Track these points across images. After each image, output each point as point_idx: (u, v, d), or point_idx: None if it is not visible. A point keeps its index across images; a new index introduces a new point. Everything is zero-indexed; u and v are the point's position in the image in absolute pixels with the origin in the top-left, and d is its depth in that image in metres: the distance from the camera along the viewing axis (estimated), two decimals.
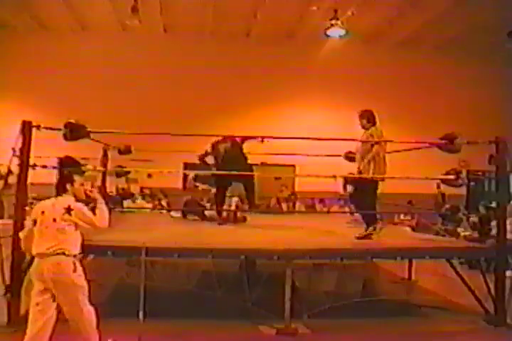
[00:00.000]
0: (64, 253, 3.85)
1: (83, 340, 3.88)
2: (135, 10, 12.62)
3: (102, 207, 4.22)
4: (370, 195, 6.07)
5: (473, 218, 10.72)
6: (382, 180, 6.07)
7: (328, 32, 13.82)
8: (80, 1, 13.73)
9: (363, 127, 6.21)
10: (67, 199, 4.05)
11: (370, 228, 6.03)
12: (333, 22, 13.13)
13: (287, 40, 16.06)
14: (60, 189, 4.11)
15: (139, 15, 12.83)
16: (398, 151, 6.93)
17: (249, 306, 5.04)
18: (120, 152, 8.18)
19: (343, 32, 13.80)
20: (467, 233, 10.27)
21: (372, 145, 5.95)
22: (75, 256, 3.92)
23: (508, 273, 5.73)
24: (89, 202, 4.32)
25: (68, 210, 3.95)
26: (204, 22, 14.78)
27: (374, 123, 6.16)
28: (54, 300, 3.85)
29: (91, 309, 3.93)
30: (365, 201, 6.09)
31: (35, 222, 3.97)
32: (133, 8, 12.58)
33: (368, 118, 6.16)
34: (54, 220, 3.92)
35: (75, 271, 3.86)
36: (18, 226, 4.94)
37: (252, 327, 5.04)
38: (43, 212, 3.97)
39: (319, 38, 14.63)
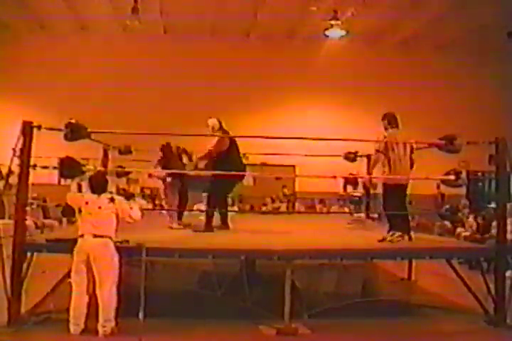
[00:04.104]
0: (110, 237, 4.65)
1: (102, 311, 4.54)
2: (135, 10, 12.63)
3: (137, 202, 5.32)
4: (394, 199, 5.99)
5: (471, 219, 10.70)
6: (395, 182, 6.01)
7: (328, 32, 13.83)
8: (80, 1, 13.75)
9: (385, 129, 6.22)
10: (108, 194, 4.91)
11: (398, 233, 5.88)
12: (333, 22, 13.14)
13: (287, 40, 16.07)
14: (100, 189, 4.86)
15: (139, 16, 12.84)
16: None
17: (249, 306, 5.04)
18: (120, 152, 8.19)
19: (342, 32, 13.81)
20: (467, 233, 10.28)
21: (378, 151, 5.99)
22: (115, 241, 4.69)
23: (508, 273, 5.74)
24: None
25: (112, 200, 4.80)
26: (204, 22, 14.80)
27: (396, 126, 6.15)
28: (88, 278, 4.62)
29: (115, 291, 4.60)
30: (392, 204, 6.00)
31: (80, 211, 4.75)
32: (133, 8, 12.59)
33: (389, 120, 6.17)
34: (99, 208, 4.71)
35: (114, 253, 4.64)
36: (19, 226, 4.95)
37: (252, 327, 5.04)
38: (87, 203, 4.75)
39: (319, 38, 14.65)
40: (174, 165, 7.16)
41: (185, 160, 7.54)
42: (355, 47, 15.67)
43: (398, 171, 5.88)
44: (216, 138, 6.73)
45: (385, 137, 6.05)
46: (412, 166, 6.08)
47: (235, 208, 8.11)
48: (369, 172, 6.56)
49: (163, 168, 7.21)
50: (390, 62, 16.22)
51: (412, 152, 6.09)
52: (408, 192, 6.12)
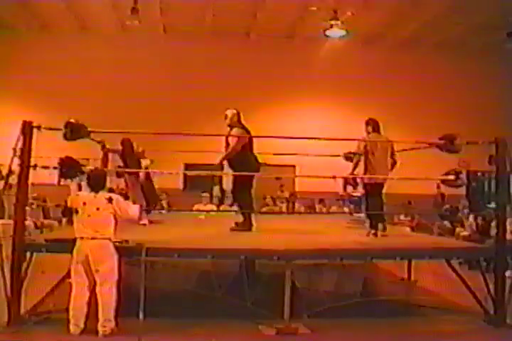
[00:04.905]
0: (109, 239, 4.65)
1: (102, 311, 4.55)
2: (135, 10, 12.63)
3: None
4: (373, 197, 6.54)
5: (471, 219, 10.69)
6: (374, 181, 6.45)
7: (328, 32, 13.81)
8: (80, 1, 13.74)
9: (367, 133, 6.65)
10: (106, 193, 4.90)
11: (373, 231, 6.45)
12: (333, 22, 13.12)
13: (287, 40, 16.06)
14: (98, 186, 4.85)
15: (139, 16, 12.84)
16: (398, 151, 6.94)
17: (249, 306, 5.04)
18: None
19: (342, 32, 13.79)
20: (467, 233, 10.28)
21: (357, 153, 6.52)
22: (114, 241, 4.69)
23: (507, 273, 5.74)
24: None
25: (110, 200, 4.74)
26: (204, 22, 14.79)
27: (378, 131, 6.60)
28: (88, 278, 4.62)
29: (115, 291, 4.62)
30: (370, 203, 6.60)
31: (76, 211, 4.70)
32: (133, 8, 12.59)
33: (373, 126, 6.60)
34: (98, 209, 4.68)
35: (114, 254, 4.65)
36: (19, 226, 4.95)
37: (252, 327, 5.04)
38: (84, 203, 4.71)
39: (319, 38, 14.64)
40: (129, 162, 7.13)
41: (145, 163, 7.51)
42: (354, 48, 15.65)
43: (377, 172, 6.32)
44: (233, 132, 6.60)
45: (364, 140, 6.50)
46: (392, 167, 6.61)
47: (235, 208, 8.07)
48: (352, 173, 6.93)
49: (122, 162, 7.22)
50: (389, 62, 16.22)
51: (392, 154, 6.60)
52: (384, 191, 6.56)
